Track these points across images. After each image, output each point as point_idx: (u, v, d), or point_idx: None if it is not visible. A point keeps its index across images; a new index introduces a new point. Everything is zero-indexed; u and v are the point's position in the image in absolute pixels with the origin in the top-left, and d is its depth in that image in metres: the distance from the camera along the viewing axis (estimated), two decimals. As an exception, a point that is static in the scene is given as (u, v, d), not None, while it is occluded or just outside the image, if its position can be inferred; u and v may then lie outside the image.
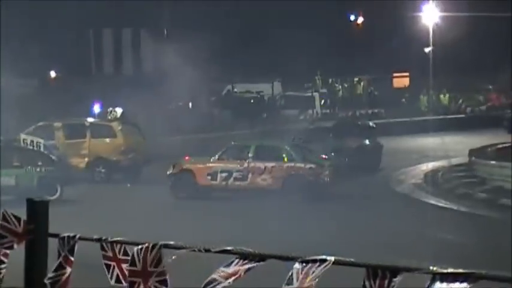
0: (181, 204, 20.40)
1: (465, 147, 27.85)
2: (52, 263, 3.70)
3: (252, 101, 44.71)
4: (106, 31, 47.83)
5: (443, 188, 22.22)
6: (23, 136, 25.47)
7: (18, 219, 3.83)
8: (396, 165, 27.56)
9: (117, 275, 3.61)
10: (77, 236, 3.76)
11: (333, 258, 3.19)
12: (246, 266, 3.35)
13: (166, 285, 3.45)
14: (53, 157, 22.81)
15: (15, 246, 3.83)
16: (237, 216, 18.16)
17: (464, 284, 2.88)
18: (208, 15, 41.49)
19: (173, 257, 3.48)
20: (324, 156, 22.71)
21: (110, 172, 25.35)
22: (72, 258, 3.73)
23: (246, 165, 21.23)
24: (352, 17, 57.08)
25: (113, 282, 3.60)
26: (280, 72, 47.56)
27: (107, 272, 3.59)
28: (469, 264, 3.77)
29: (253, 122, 36.24)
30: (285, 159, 21.21)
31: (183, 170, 21.64)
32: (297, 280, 3.19)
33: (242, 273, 3.33)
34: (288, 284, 3.20)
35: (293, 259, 3.25)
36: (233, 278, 3.33)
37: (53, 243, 3.79)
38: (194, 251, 3.48)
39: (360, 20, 56.99)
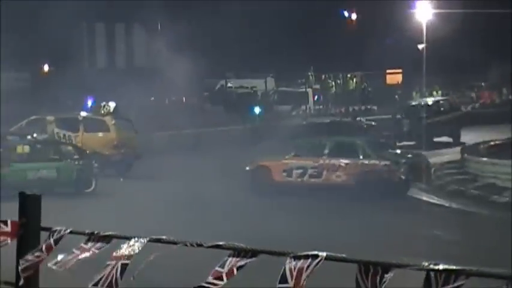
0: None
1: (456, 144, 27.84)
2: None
3: (245, 96, 44.67)
4: (99, 25, 47.74)
5: (435, 185, 22.22)
6: (56, 130, 25.62)
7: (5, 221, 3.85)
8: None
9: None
10: (68, 230, 3.76)
11: (324, 254, 3.19)
12: (239, 264, 3.35)
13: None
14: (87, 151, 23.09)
15: (9, 241, 3.84)
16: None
17: (458, 282, 2.88)
18: (202, 11, 41.44)
19: (134, 275, 3.49)
20: (398, 151, 22.27)
21: (102, 166, 25.30)
22: (54, 247, 3.73)
23: (321, 161, 20.94)
24: (346, 14, 57.10)
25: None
26: (274, 68, 47.55)
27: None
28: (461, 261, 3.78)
29: (245, 117, 36.22)
30: (360, 156, 20.74)
31: (259, 166, 21.50)
32: (291, 277, 3.18)
33: (235, 271, 3.33)
34: (281, 282, 3.19)
35: (285, 255, 3.25)
36: (226, 278, 3.32)
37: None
38: (186, 245, 3.48)
39: (354, 16, 57.01)
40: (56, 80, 38.27)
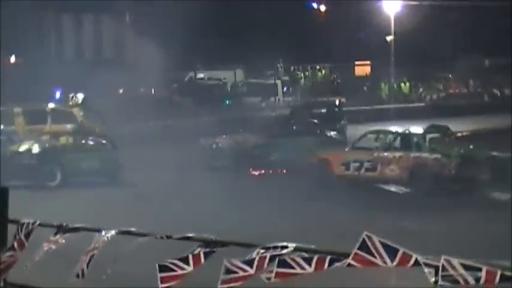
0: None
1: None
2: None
3: (214, 88, 44.63)
4: (66, 15, 47.33)
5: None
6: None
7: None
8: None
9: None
10: (37, 222, 3.75)
11: (294, 245, 3.22)
12: (205, 251, 3.36)
13: None
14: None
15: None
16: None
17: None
18: (171, 2, 41.28)
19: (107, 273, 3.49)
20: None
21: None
22: (26, 243, 3.71)
23: (375, 154, 20.59)
24: (315, 6, 57.20)
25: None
26: (243, 60, 47.54)
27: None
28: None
29: (215, 109, 36.18)
30: (412, 149, 20.33)
31: (320, 159, 21.16)
32: (254, 266, 3.21)
33: (202, 259, 3.34)
34: (243, 270, 3.21)
35: (254, 246, 3.27)
36: (193, 264, 3.34)
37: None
38: (156, 238, 3.49)
39: (323, 8, 57.13)
40: (23, 71, 37.97)
